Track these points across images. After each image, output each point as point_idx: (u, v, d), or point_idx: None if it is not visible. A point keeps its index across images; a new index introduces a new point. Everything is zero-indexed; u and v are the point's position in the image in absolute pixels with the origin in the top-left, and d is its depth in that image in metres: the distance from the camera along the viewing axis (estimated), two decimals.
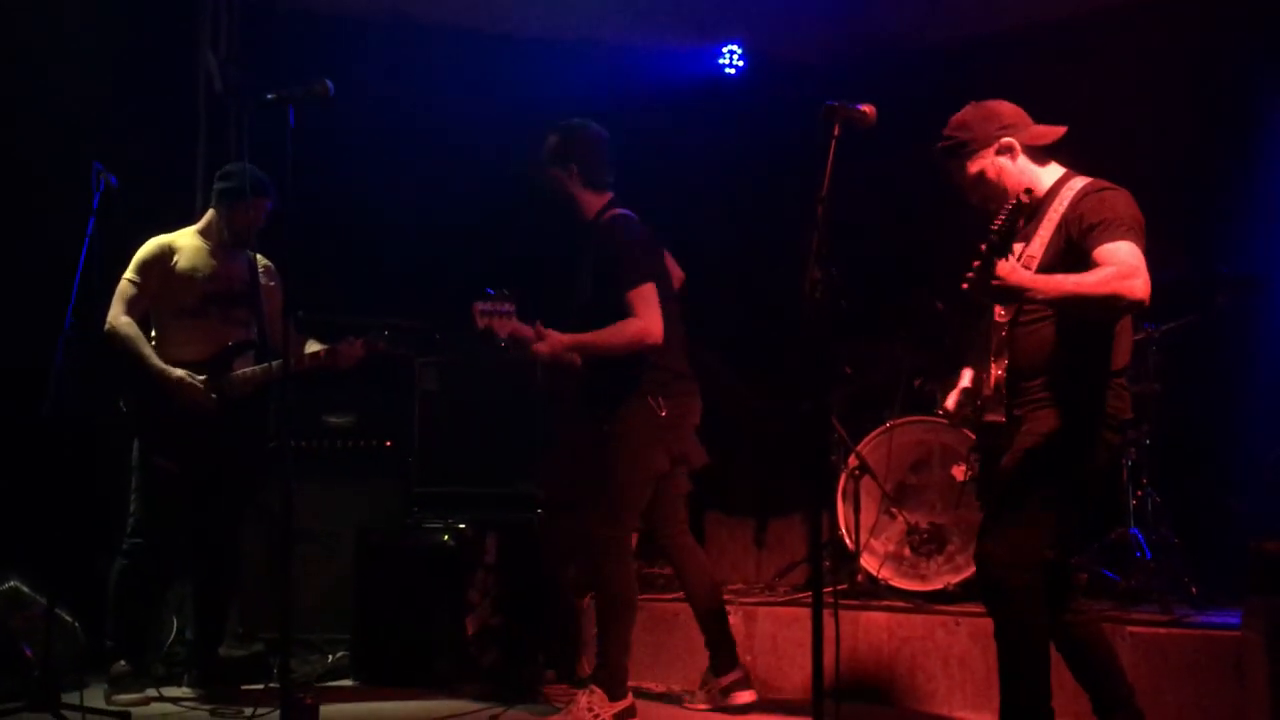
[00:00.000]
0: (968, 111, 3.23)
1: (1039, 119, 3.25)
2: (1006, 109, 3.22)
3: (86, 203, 3.98)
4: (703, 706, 4.22)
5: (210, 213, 4.51)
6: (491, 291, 3.87)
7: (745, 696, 4.20)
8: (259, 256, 4.50)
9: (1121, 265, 2.89)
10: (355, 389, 5.35)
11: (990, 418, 3.15)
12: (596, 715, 3.85)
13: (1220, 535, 4.54)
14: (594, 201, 4.10)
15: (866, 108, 3.11)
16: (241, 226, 4.42)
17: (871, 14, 5.74)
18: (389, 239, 5.74)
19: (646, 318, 3.89)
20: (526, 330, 3.91)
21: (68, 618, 4.44)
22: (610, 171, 4.13)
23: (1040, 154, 3.22)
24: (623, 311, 3.90)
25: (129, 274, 4.37)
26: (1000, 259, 2.81)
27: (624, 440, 3.96)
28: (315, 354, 4.39)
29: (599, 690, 3.89)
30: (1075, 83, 5.22)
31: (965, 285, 2.83)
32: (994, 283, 2.82)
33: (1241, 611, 3.82)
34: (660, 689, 4.56)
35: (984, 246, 2.80)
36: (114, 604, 4.30)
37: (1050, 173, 3.20)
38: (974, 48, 5.71)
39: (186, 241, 4.45)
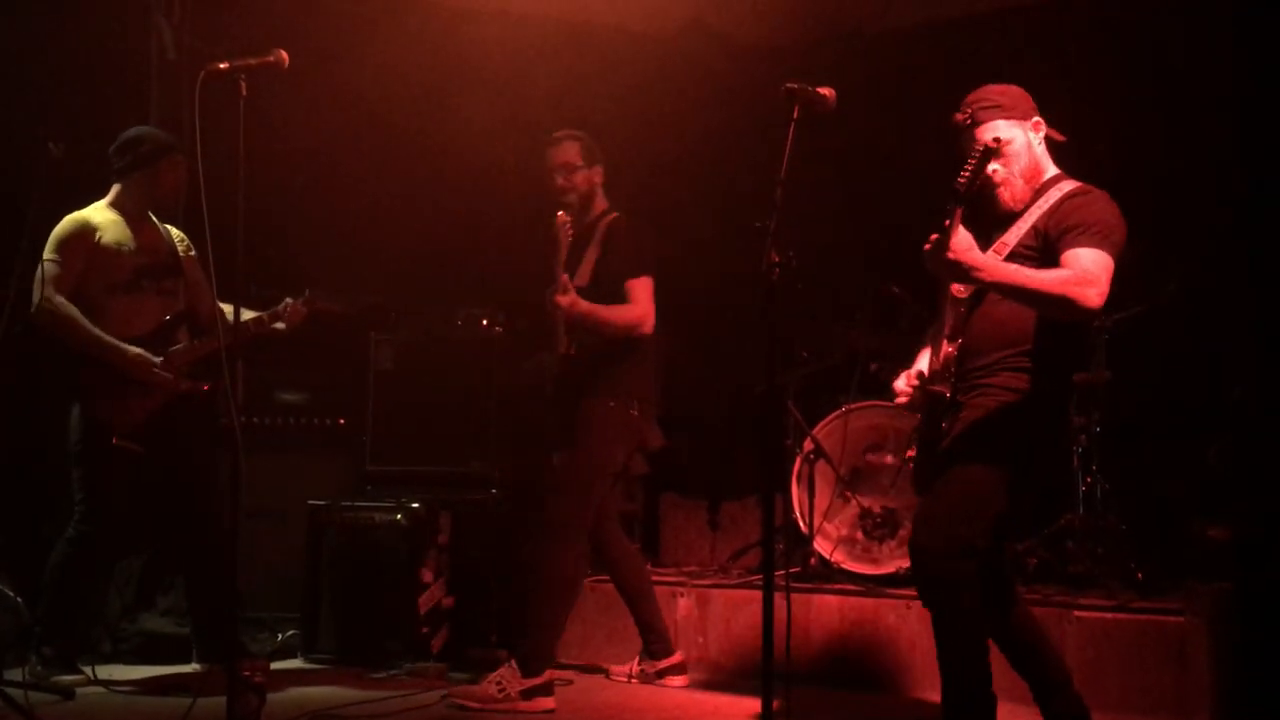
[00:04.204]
0: (998, 86, 3.18)
1: None
2: (1028, 94, 3.20)
3: (32, 172, 3.88)
4: (635, 683, 4.34)
5: (117, 186, 4.32)
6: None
7: (678, 681, 4.30)
8: (171, 228, 4.42)
9: (1083, 271, 2.88)
10: (309, 366, 5.30)
11: (935, 388, 3.13)
12: (503, 689, 3.85)
13: (1167, 522, 4.60)
14: (603, 204, 4.29)
15: (826, 91, 3.11)
16: (170, 189, 4.28)
17: None
18: (345, 214, 5.67)
19: (645, 307, 4.10)
20: (561, 275, 4.02)
21: (10, 593, 4.36)
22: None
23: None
24: (621, 299, 4.09)
25: (50, 255, 4.14)
26: (960, 207, 2.79)
27: (597, 434, 4.07)
28: (259, 319, 4.27)
29: (515, 665, 3.90)
30: (1037, 67, 5.24)
31: (925, 248, 2.83)
32: (947, 255, 2.82)
33: (1183, 597, 3.89)
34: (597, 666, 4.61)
35: (948, 208, 2.79)
36: (52, 590, 4.17)
37: (1050, 166, 3.19)
38: (936, 31, 5.71)
39: (103, 216, 4.28)
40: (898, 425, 4.86)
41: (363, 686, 4.25)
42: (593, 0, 5.82)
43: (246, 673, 3.36)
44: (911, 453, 4.43)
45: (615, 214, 4.28)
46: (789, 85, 3.08)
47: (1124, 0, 5.24)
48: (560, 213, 4.09)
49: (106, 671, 4.30)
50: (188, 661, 4.45)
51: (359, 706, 3.88)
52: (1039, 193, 3.12)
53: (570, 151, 4.23)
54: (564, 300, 3.98)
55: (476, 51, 5.70)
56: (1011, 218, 3.13)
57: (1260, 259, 4.80)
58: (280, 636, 4.88)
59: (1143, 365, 4.80)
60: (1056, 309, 2.94)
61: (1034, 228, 3.07)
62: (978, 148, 2.91)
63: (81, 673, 4.17)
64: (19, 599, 4.38)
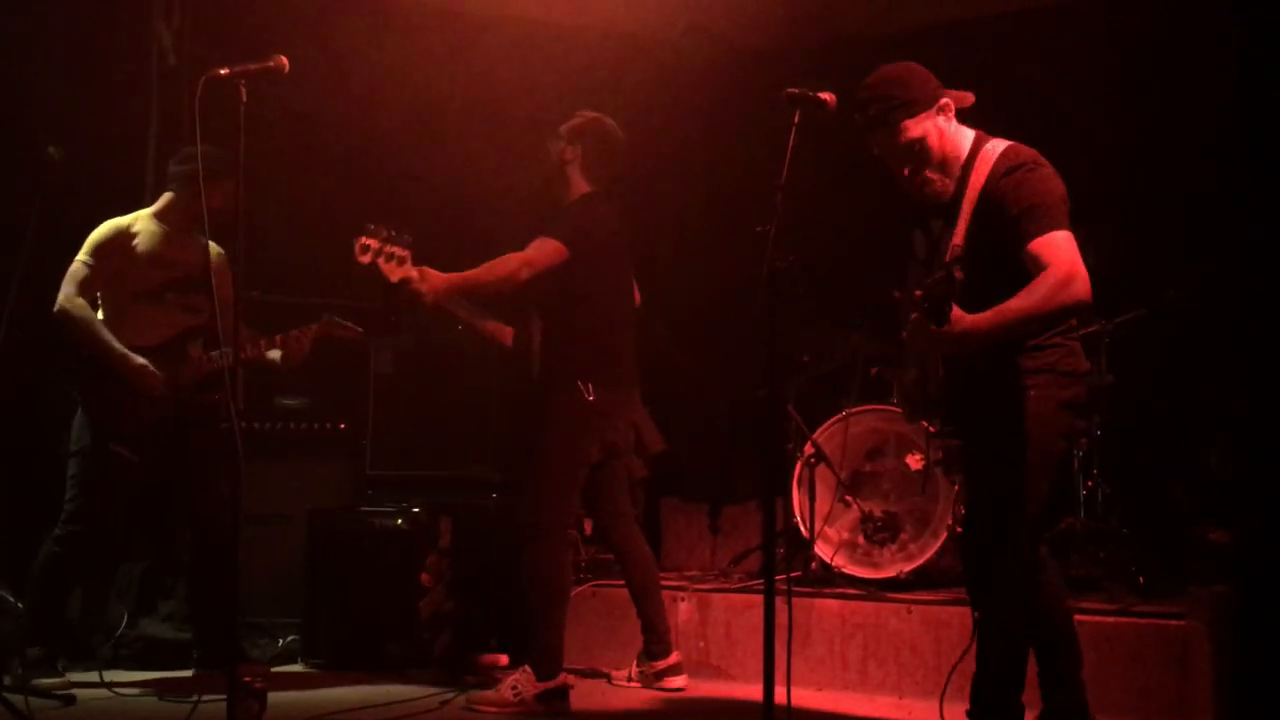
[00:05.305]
0: (894, 71, 3.07)
1: (1002, 108, 3.23)
2: (927, 71, 3.10)
3: (32, 176, 3.88)
4: (635, 685, 4.34)
5: (168, 196, 4.35)
6: (372, 226, 3.68)
7: (677, 682, 4.30)
8: (211, 243, 4.42)
9: (1058, 269, 2.83)
10: (309, 371, 5.29)
11: (943, 436, 3.15)
12: (519, 693, 3.87)
13: (1168, 525, 4.60)
14: (581, 187, 4.14)
15: (827, 95, 3.09)
16: (216, 209, 4.13)
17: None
18: (348, 218, 5.65)
19: (530, 255, 3.87)
20: (413, 273, 3.73)
21: (9, 597, 4.36)
22: (609, 170, 4.17)
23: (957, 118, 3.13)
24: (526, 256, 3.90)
25: (83, 256, 4.21)
26: (935, 326, 2.76)
27: (551, 425, 4.02)
28: (256, 344, 4.27)
29: (529, 669, 3.91)
30: (1038, 69, 5.25)
31: (906, 337, 2.84)
32: (944, 338, 2.80)
33: (1184, 601, 3.89)
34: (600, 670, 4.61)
35: (918, 294, 2.76)
36: (37, 589, 4.17)
37: (966, 136, 3.10)
38: (938, 34, 5.71)
39: (144, 225, 4.31)
40: (898, 429, 4.85)
41: (363, 691, 4.24)
42: (594, 4, 5.82)
43: (247, 678, 3.36)
44: (916, 458, 4.44)
45: (587, 199, 4.12)
46: (790, 90, 3.07)
47: (1125, 3, 5.25)
48: (360, 238, 3.69)
49: (107, 677, 4.28)
50: (188, 667, 4.45)
51: (360, 711, 3.87)
52: (965, 174, 3.04)
53: (566, 125, 4.15)
54: (425, 287, 3.70)
55: (479, 56, 5.71)
56: (949, 208, 3.06)
57: (1262, 262, 4.79)
58: (281, 641, 4.88)
59: (1144, 369, 4.80)
60: (1056, 320, 2.94)
61: (974, 208, 2.97)
62: (940, 271, 2.82)
63: (62, 675, 4.15)
64: (20, 605, 4.38)
